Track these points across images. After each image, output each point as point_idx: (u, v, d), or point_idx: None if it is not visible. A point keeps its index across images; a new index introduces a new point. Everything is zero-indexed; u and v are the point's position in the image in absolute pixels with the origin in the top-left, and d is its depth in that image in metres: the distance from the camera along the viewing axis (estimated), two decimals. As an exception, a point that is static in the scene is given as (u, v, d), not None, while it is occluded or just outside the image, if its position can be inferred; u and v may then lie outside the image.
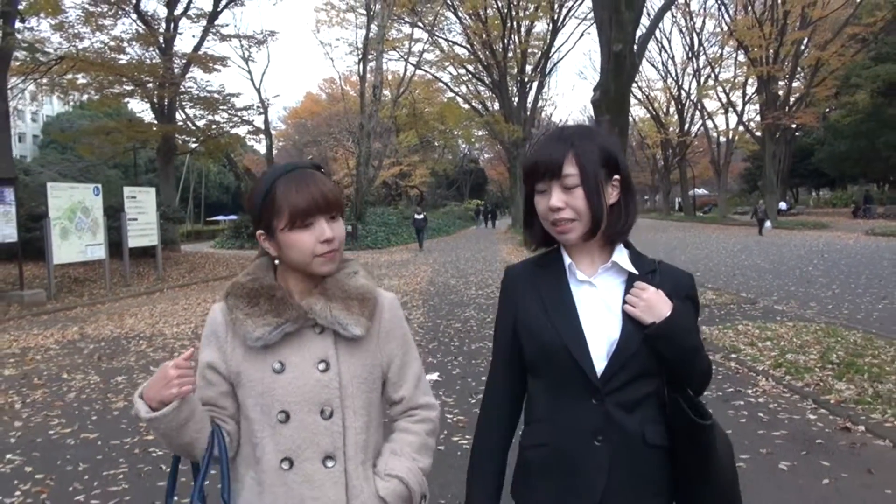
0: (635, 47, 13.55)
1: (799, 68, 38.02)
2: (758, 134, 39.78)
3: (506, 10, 35.87)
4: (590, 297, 1.46)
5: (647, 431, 1.42)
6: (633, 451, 1.41)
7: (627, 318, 1.42)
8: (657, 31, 46.23)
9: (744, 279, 13.84)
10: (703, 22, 44.61)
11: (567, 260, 1.49)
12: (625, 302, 1.44)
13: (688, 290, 1.51)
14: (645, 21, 20.13)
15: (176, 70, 21.28)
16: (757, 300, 10.81)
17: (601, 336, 1.42)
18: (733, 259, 18.54)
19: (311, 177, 1.43)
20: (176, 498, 1.50)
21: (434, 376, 6.29)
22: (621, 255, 1.49)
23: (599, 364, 1.40)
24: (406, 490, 1.47)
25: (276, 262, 1.49)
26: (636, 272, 1.47)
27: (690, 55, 45.57)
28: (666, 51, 57.57)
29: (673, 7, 40.76)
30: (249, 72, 50.09)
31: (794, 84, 38.25)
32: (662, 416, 1.46)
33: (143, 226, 15.61)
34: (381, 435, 1.55)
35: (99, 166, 34.79)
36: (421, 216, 27.42)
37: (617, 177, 1.47)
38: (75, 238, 13.42)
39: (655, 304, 1.40)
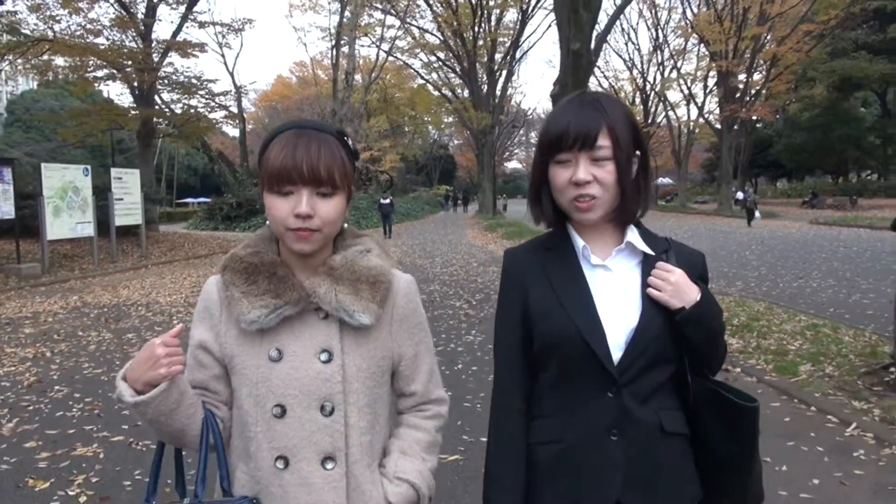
0: (592, 46, 14.82)
1: (756, 63, 39.65)
2: (717, 126, 41.44)
3: (475, 0, 36.87)
4: (605, 281, 1.37)
5: (663, 419, 1.34)
6: (651, 442, 1.32)
7: (647, 301, 1.33)
8: (624, 23, 47.71)
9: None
10: (669, 15, 46.14)
11: (580, 242, 1.38)
12: (647, 285, 1.34)
13: (701, 270, 1.42)
14: (605, 18, 21.37)
15: (155, 56, 21.95)
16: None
17: (619, 323, 1.33)
18: (681, 244, 19.99)
19: (310, 141, 1.27)
20: (168, 484, 1.49)
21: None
22: (634, 235, 1.39)
23: (616, 353, 1.31)
24: (416, 494, 1.36)
25: (268, 223, 1.36)
26: (652, 253, 1.38)
27: (655, 47, 47.10)
28: (633, 42, 59.11)
29: (638, 0, 42.21)
30: (223, 56, 50.31)
31: (755, 77, 39.87)
32: (679, 403, 1.38)
33: (128, 205, 16.49)
34: (389, 431, 1.44)
35: (66, 147, 35.05)
36: (387, 201, 25.79)
37: (638, 152, 1.37)
38: (66, 216, 14.31)
39: (684, 287, 1.32)
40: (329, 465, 1.30)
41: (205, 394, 1.36)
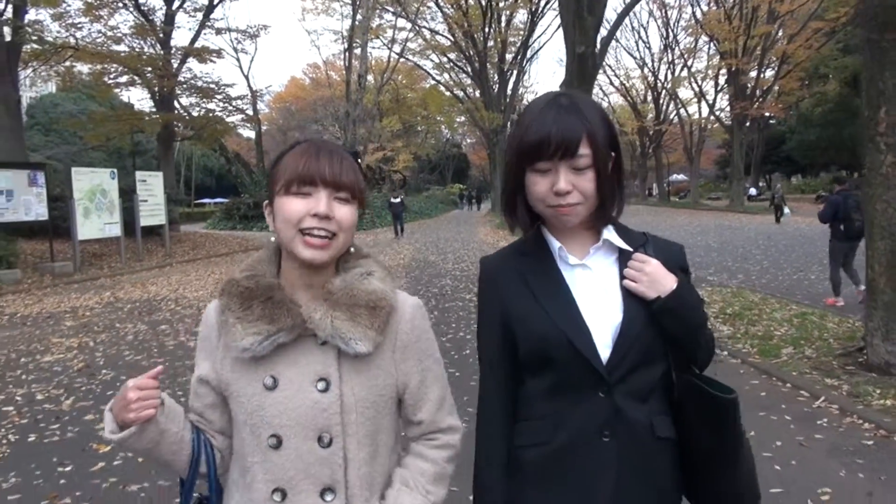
0: (597, 49, 15.28)
1: (767, 61, 39.83)
2: (728, 123, 41.66)
3: (486, 2, 37.31)
4: (585, 280, 1.35)
5: (655, 423, 1.32)
6: (642, 445, 1.31)
7: (628, 296, 1.32)
8: (634, 22, 48.03)
9: (690, 256, 15.40)
10: (679, 14, 46.41)
11: (556, 244, 1.36)
12: (623, 278, 1.34)
13: (680, 262, 1.43)
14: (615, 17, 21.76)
15: (174, 62, 22.67)
16: (692, 272, 12.64)
17: (603, 321, 1.31)
18: (689, 240, 20.33)
19: (332, 151, 1.28)
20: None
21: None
22: (610, 233, 1.38)
23: (604, 352, 1.29)
24: None
25: (272, 238, 1.35)
26: (629, 248, 1.37)
27: (665, 46, 47.36)
28: (643, 41, 59.32)
29: (649, 0, 42.50)
30: (238, 59, 51.22)
31: (768, 73, 40.03)
32: (668, 408, 1.36)
33: (152, 206, 17.16)
34: (393, 461, 1.38)
35: (85, 150, 35.94)
36: (398, 200, 25.52)
37: (613, 154, 1.35)
38: (95, 217, 15.00)
39: (659, 278, 1.31)
40: (328, 497, 1.25)
41: (201, 421, 1.35)
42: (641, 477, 1.31)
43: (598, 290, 1.34)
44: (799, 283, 10.89)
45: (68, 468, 4.03)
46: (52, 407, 5.21)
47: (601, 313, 1.32)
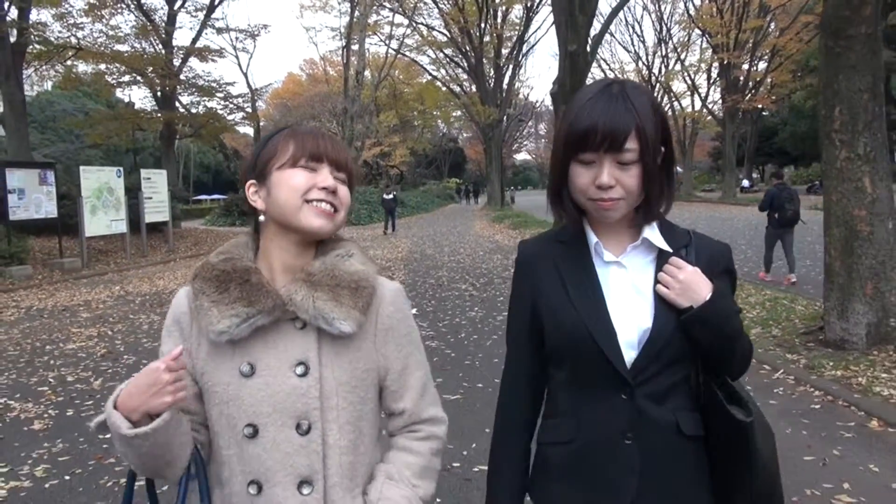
0: (588, 47, 15.77)
1: (759, 54, 40.27)
2: (720, 116, 42.18)
3: (481, -3, 37.73)
4: (618, 279, 1.31)
5: (680, 420, 1.28)
6: (667, 446, 1.27)
7: (660, 300, 1.27)
8: (629, 16, 48.44)
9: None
10: (673, 8, 46.81)
11: (593, 238, 1.32)
12: (657, 282, 1.28)
13: (726, 264, 1.36)
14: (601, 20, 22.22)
15: (175, 62, 23.13)
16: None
17: (631, 323, 1.27)
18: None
19: (329, 137, 1.30)
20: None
21: (413, 311, 8.54)
22: (652, 231, 1.32)
23: (629, 354, 1.25)
24: None
25: (261, 218, 1.28)
26: (669, 249, 1.31)
27: (659, 40, 47.78)
28: (637, 35, 59.69)
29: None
30: (237, 57, 51.61)
31: (760, 66, 40.43)
32: (694, 403, 1.31)
33: (156, 204, 17.65)
34: (377, 453, 1.35)
35: (82, 149, 36.40)
36: (391, 196, 24.64)
37: (663, 149, 1.29)
38: (102, 214, 15.49)
39: (693, 286, 1.25)
40: (305, 490, 1.21)
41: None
42: (668, 478, 1.27)
43: (630, 290, 1.30)
44: (778, 271, 11.41)
45: (108, 436, 4.53)
46: (84, 387, 5.73)
47: (630, 314, 1.28)
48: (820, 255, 13.60)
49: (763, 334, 6.65)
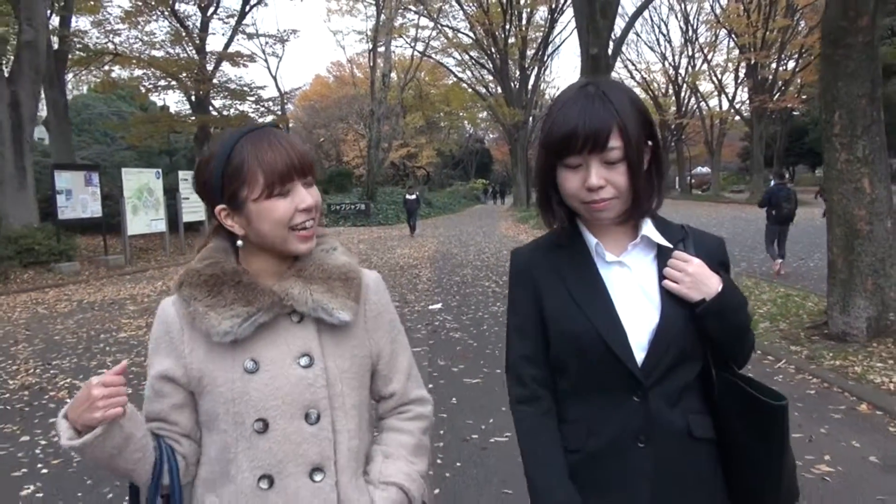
0: (610, 49, 16.13)
1: (787, 53, 40.07)
2: (747, 116, 42.05)
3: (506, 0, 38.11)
4: (622, 279, 1.30)
5: (692, 424, 1.27)
6: (679, 449, 1.26)
7: (666, 296, 1.26)
8: (654, 16, 48.47)
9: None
10: (699, 8, 46.70)
11: (592, 239, 1.31)
12: (662, 277, 1.27)
13: (721, 256, 1.35)
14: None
15: (209, 67, 23.95)
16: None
17: (640, 322, 1.26)
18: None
19: (279, 134, 1.23)
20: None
21: (438, 305, 9.03)
22: (649, 228, 1.31)
23: (639, 354, 1.25)
24: (406, 498, 1.30)
25: (239, 243, 1.28)
26: (668, 245, 1.30)
27: (686, 40, 47.75)
28: (664, 35, 59.61)
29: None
30: (266, 61, 52.55)
31: (790, 65, 40.22)
32: (705, 406, 1.31)
33: (193, 204, 18.34)
34: (371, 438, 1.38)
35: (116, 150, 37.57)
36: (413, 196, 23.89)
37: (650, 143, 1.27)
38: (143, 214, 16.25)
39: (703, 279, 1.24)
40: (318, 477, 1.24)
41: (163, 427, 1.28)
42: (680, 483, 1.26)
43: (635, 288, 1.29)
44: (797, 270, 11.72)
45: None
46: (139, 370, 6.29)
47: (638, 313, 1.27)
48: (812, 252, 13.91)
49: (770, 328, 7.00)
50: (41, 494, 3.76)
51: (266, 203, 1.19)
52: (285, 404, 1.22)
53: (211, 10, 24.74)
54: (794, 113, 51.59)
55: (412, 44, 41.05)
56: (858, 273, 6.09)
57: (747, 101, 43.09)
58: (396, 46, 39.45)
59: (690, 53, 48.33)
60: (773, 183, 12.12)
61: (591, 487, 1.28)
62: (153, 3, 23.35)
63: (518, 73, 42.39)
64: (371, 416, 1.38)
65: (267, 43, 30.46)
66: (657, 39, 66.02)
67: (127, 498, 1.32)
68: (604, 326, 1.25)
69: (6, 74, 14.79)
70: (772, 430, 1.25)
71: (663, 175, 1.32)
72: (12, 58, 15.75)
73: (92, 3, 22.87)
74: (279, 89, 33.71)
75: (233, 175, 1.19)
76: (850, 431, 4.32)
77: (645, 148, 1.25)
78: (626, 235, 1.33)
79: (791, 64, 40.27)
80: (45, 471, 4.07)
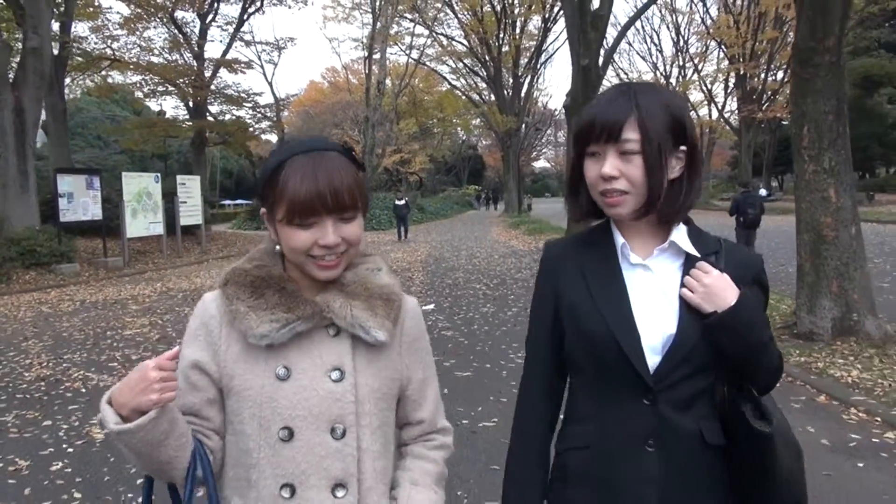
0: (601, 61, 16.57)
1: (776, 64, 40.74)
2: (737, 125, 42.69)
3: (500, 8, 38.60)
4: (644, 282, 1.30)
5: (704, 430, 1.26)
6: (690, 455, 1.25)
7: (686, 306, 1.25)
8: (647, 27, 49.12)
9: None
10: (689, 19, 47.36)
11: (620, 239, 1.32)
12: (683, 286, 1.26)
13: (756, 274, 1.34)
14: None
15: (206, 73, 24.32)
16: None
17: (655, 327, 1.25)
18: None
19: (328, 164, 1.21)
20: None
21: (431, 306, 9.42)
22: (680, 234, 1.30)
23: (653, 359, 1.24)
24: None
25: (277, 248, 1.29)
26: (697, 254, 1.28)
27: (677, 50, 48.43)
28: (655, 45, 60.32)
29: (659, 4, 43.58)
30: (262, 68, 52.88)
31: (779, 76, 40.93)
32: (716, 412, 1.29)
33: (190, 208, 18.73)
34: (395, 460, 1.37)
35: (110, 155, 37.85)
36: (402, 202, 23.92)
37: (683, 147, 1.27)
38: (142, 217, 16.59)
39: (718, 291, 1.23)
40: (340, 493, 1.23)
41: (194, 420, 1.27)
42: (689, 489, 1.25)
43: (656, 294, 1.29)
44: (777, 275, 12.10)
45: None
46: (147, 364, 6.64)
47: (655, 319, 1.26)
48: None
49: (744, 328, 7.41)
50: (69, 469, 4.12)
51: (287, 228, 1.21)
52: (312, 416, 1.22)
53: (210, 17, 25.10)
54: (783, 123, 52.27)
55: (407, 51, 41.49)
56: (825, 276, 6.52)
57: (736, 111, 43.78)
58: (391, 53, 39.78)
59: (681, 63, 48.97)
60: (740, 191, 12.99)
61: (599, 486, 1.29)
62: (152, 9, 23.72)
63: (511, 80, 42.88)
64: (395, 439, 1.38)
65: (264, 50, 30.94)
66: (649, 49, 66.71)
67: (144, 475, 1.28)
68: (618, 328, 1.25)
69: (10, 80, 15.12)
70: (759, 452, 1.25)
71: (697, 181, 1.30)
72: (16, 64, 16.08)
73: (91, 9, 23.28)
74: (275, 96, 34.07)
75: (271, 189, 1.22)
76: (806, 419, 4.72)
77: (672, 150, 1.25)
78: (656, 239, 1.32)
79: (780, 74, 40.91)
80: (70, 450, 4.44)
